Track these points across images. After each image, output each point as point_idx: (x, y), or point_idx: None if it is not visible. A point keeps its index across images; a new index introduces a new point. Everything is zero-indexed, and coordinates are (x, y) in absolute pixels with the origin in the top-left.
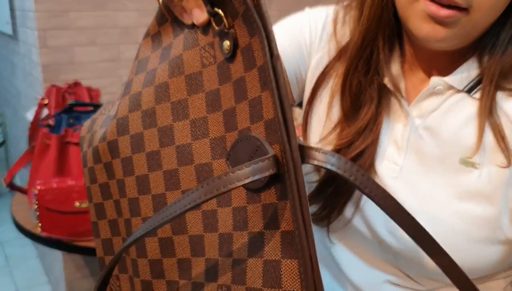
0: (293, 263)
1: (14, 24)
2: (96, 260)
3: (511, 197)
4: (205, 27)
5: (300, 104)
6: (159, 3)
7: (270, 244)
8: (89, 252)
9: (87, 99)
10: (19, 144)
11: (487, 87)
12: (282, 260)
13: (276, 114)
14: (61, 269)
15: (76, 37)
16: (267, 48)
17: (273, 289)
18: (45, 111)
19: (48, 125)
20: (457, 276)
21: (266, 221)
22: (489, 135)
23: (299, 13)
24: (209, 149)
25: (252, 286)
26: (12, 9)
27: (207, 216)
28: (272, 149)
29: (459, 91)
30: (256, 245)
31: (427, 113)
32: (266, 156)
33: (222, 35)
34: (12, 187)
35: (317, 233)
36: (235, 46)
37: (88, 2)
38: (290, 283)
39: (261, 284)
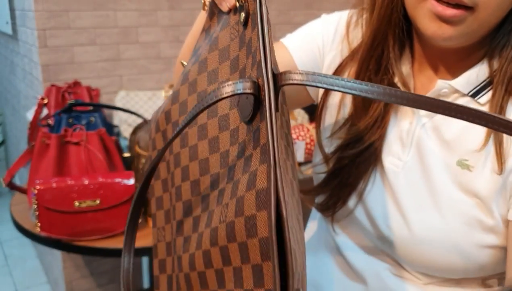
0: (264, 168)
1: (14, 24)
2: (95, 260)
3: (501, 205)
4: (235, 9)
5: (309, 108)
6: (204, 3)
7: (254, 158)
8: (89, 251)
9: (87, 99)
10: (19, 144)
11: (498, 90)
12: (258, 166)
13: (259, 52)
14: (60, 268)
15: (75, 37)
16: (258, 2)
17: (250, 191)
18: (45, 111)
19: (48, 125)
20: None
21: (254, 142)
22: (491, 140)
23: (315, 20)
24: (228, 103)
25: (240, 195)
26: (12, 9)
27: (212, 142)
28: (257, 80)
29: (464, 95)
30: (247, 163)
31: (433, 113)
32: (247, 79)
33: (241, 9)
34: (12, 186)
35: (323, 222)
36: (247, 14)
37: (87, 2)
38: (261, 182)
39: (244, 190)
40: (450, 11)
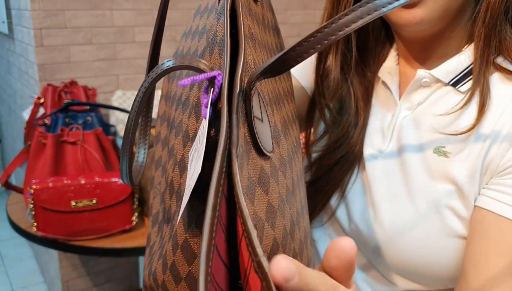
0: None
1: (10, 23)
2: (91, 260)
3: (476, 191)
4: None
5: None
6: None
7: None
8: (85, 251)
9: (83, 99)
10: (15, 143)
11: (477, 64)
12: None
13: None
14: (56, 268)
15: (72, 36)
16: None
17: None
18: (41, 110)
19: (44, 124)
20: None
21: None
22: (469, 116)
23: None
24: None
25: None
26: (8, 8)
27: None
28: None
29: (446, 84)
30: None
31: (415, 105)
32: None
33: None
34: (8, 186)
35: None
36: None
37: (84, 1)
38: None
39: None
40: None
